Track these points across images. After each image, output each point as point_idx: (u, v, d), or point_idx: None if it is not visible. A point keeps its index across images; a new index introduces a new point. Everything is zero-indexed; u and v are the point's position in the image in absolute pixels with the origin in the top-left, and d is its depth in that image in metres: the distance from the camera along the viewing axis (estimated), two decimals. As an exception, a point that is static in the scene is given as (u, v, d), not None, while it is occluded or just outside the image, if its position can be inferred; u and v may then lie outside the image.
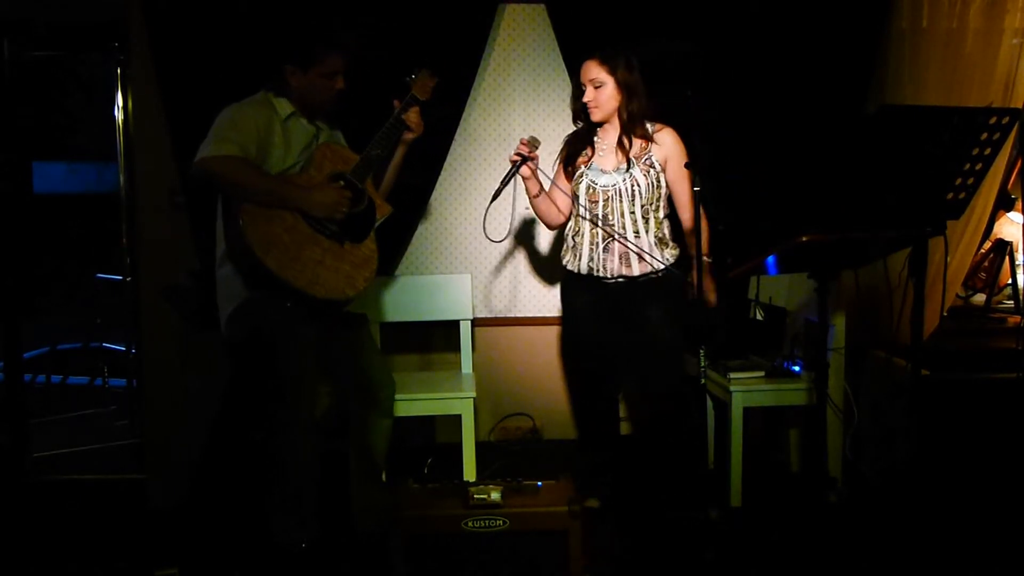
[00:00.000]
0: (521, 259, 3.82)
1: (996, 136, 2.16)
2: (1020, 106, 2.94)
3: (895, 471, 2.94)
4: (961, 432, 2.84)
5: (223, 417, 3.37)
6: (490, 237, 3.11)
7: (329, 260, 2.58)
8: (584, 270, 2.93)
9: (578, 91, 2.91)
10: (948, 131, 2.14)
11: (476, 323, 3.72)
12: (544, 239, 3.79)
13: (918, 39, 3.11)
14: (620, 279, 2.90)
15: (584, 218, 2.91)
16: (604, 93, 2.85)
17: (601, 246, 2.89)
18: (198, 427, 3.35)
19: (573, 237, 2.96)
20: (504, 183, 2.85)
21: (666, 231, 2.94)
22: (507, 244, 3.80)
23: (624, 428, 3.69)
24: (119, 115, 3.85)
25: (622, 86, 2.85)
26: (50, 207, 5.21)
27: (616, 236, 2.86)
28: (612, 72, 2.84)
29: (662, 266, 2.89)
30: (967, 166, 2.21)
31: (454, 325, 3.52)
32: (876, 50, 3.27)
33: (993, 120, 2.14)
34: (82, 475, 3.57)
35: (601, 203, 2.88)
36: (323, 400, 3.06)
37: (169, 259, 3.31)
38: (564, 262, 3.00)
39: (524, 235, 3.80)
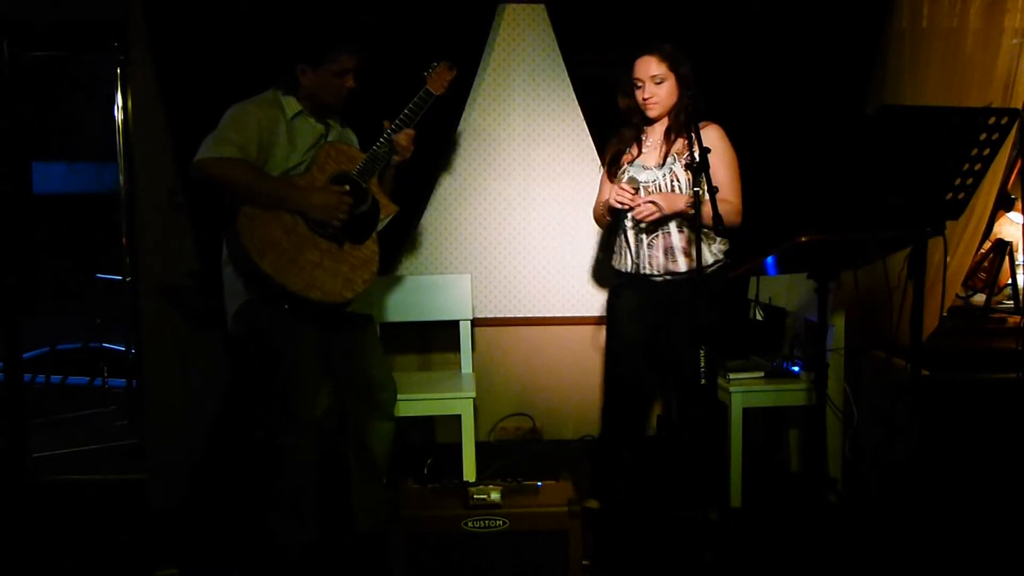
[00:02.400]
0: (521, 259, 3.82)
1: (996, 136, 2.16)
2: (1020, 106, 2.94)
3: (895, 471, 2.93)
4: (961, 432, 2.84)
5: (223, 417, 3.37)
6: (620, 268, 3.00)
7: (327, 262, 2.58)
8: (631, 268, 2.91)
9: (628, 87, 2.88)
10: (948, 131, 2.14)
11: (476, 323, 3.72)
12: (543, 239, 3.80)
13: (918, 39, 3.10)
14: (667, 275, 2.88)
15: (627, 216, 2.88)
16: (664, 89, 2.83)
17: (646, 242, 2.88)
18: (198, 427, 3.35)
19: (618, 236, 2.95)
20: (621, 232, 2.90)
21: None
22: (507, 244, 3.80)
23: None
24: (119, 115, 3.85)
25: (682, 82, 2.83)
26: (50, 207, 5.22)
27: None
28: (673, 68, 2.81)
29: (709, 260, 2.87)
30: (967, 166, 2.21)
31: (454, 325, 3.52)
32: (876, 50, 3.27)
33: (993, 120, 2.14)
34: (82, 475, 3.58)
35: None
36: (323, 400, 3.06)
37: (169, 259, 3.31)
38: (612, 263, 2.99)
39: (524, 235, 3.80)
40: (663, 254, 2.86)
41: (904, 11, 3.15)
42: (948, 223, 2.33)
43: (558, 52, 3.62)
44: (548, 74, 3.73)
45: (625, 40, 2.93)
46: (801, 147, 3.12)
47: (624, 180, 2.89)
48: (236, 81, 2.76)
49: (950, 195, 2.26)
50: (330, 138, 2.71)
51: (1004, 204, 3.61)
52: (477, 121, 3.74)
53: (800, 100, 3.33)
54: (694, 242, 2.82)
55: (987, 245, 3.51)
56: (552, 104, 3.75)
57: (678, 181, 2.85)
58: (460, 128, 3.66)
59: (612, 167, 2.99)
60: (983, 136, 2.15)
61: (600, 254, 3.77)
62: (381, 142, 2.69)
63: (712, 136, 2.88)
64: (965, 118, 2.16)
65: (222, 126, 2.52)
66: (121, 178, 3.94)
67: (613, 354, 3.10)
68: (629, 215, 2.85)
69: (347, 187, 2.63)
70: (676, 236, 2.85)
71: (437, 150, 3.55)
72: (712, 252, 2.89)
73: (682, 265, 2.86)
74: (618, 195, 2.81)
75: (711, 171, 2.85)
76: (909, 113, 2.27)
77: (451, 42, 3.31)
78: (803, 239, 2.20)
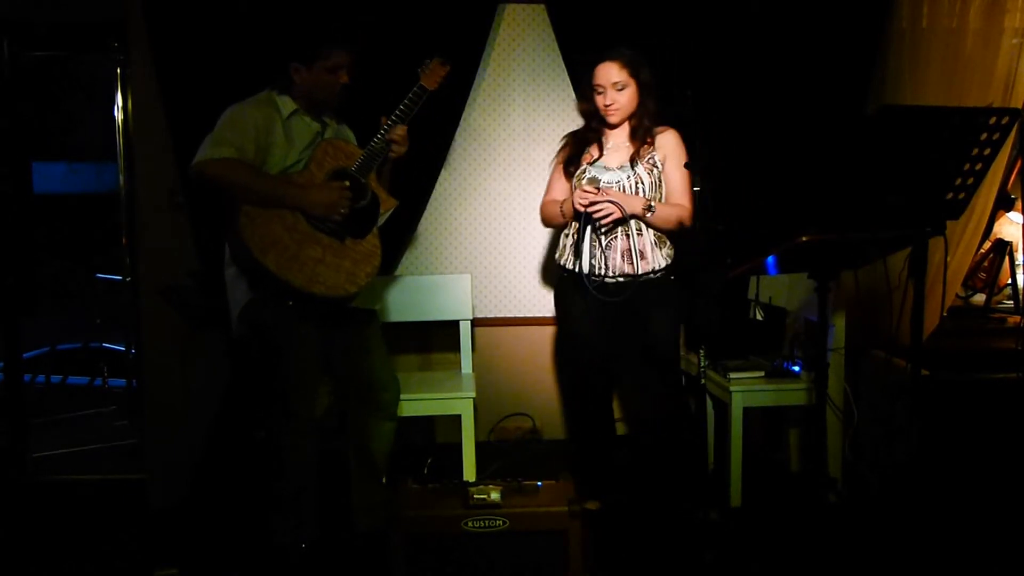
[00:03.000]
0: (521, 259, 3.82)
1: (996, 136, 2.16)
2: (1020, 106, 2.94)
3: (895, 471, 2.93)
4: (961, 432, 2.84)
5: (223, 417, 3.37)
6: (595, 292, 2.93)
7: (329, 258, 2.58)
8: (585, 269, 2.92)
9: (589, 92, 2.89)
10: (948, 131, 2.14)
11: (476, 323, 3.72)
12: (543, 239, 3.79)
13: (918, 39, 3.10)
14: (621, 278, 2.89)
15: (586, 216, 2.87)
16: (625, 96, 2.84)
17: (604, 243, 2.88)
18: (198, 427, 3.35)
19: (569, 235, 2.95)
20: (581, 235, 2.85)
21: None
22: (507, 244, 3.80)
23: (619, 428, 3.70)
24: (119, 115, 3.85)
25: (643, 88, 2.84)
26: (50, 207, 5.22)
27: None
28: (635, 75, 2.82)
29: (661, 265, 2.88)
30: (967, 166, 2.21)
31: (454, 325, 3.52)
32: (876, 50, 3.27)
33: (993, 120, 2.14)
34: (82, 475, 3.58)
35: None
36: (323, 400, 3.06)
37: (169, 259, 3.32)
38: (562, 262, 2.97)
39: (524, 235, 3.80)
40: (620, 256, 2.87)
41: (904, 11, 3.15)
42: (948, 223, 2.33)
43: (558, 52, 3.63)
44: (548, 74, 3.73)
45: (625, 40, 2.93)
46: (801, 147, 3.12)
47: (585, 181, 2.90)
48: (236, 81, 2.76)
49: (950, 195, 2.25)
50: (327, 135, 2.71)
51: (1004, 204, 3.61)
52: (477, 121, 3.74)
53: (800, 100, 3.33)
54: (651, 245, 2.87)
55: (987, 245, 3.52)
56: (552, 104, 3.75)
57: (642, 184, 2.86)
58: (460, 128, 3.66)
59: (570, 167, 2.97)
60: (983, 136, 2.15)
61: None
62: (378, 138, 2.70)
63: (670, 140, 2.90)
64: (965, 118, 2.15)
65: (218, 128, 2.52)
66: (121, 178, 3.94)
67: (568, 354, 3.11)
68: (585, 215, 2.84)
69: (346, 183, 2.64)
70: (636, 239, 2.86)
71: (437, 149, 3.55)
72: (664, 256, 2.90)
73: (638, 268, 2.87)
74: (581, 197, 2.80)
75: (665, 176, 2.89)
76: (909, 113, 2.26)
77: (451, 42, 3.31)
78: (803, 239, 2.20)
